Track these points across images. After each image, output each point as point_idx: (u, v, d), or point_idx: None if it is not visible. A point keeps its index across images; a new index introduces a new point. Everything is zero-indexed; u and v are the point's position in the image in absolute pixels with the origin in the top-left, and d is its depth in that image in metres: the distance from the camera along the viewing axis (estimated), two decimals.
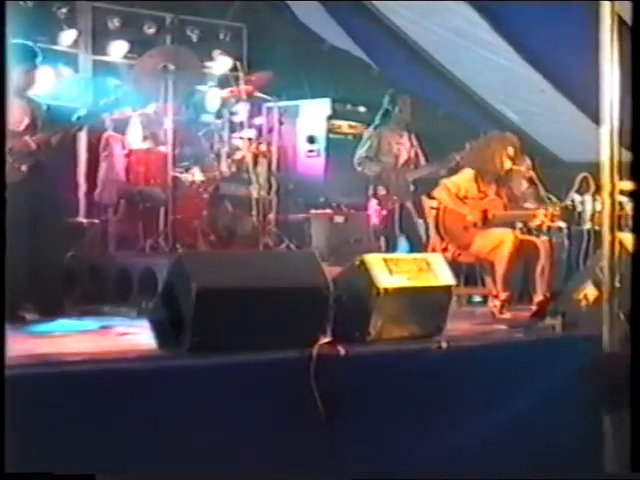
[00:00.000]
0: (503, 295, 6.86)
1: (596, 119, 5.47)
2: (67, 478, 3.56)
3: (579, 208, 7.10)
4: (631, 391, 4.48)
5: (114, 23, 9.71)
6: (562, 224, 7.93)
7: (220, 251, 7.67)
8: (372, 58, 10.72)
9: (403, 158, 9.16)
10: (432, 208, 7.30)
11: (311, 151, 10.18)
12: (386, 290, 4.91)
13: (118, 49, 9.63)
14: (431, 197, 7.36)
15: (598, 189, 5.60)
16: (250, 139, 8.76)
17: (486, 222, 7.14)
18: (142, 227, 8.16)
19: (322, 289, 4.68)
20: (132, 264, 7.35)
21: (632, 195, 5.11)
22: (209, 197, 8.29)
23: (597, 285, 5.43)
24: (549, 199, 7.22)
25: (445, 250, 7.06)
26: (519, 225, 7.64)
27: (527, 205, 7.57)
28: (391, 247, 8.78)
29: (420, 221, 8.43)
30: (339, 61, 10.97)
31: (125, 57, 9.63)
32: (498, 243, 6.84)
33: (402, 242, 8.92)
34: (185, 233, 8.10)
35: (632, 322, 4.89)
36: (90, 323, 6.08)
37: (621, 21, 5.47)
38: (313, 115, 10.22)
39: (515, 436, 5.05)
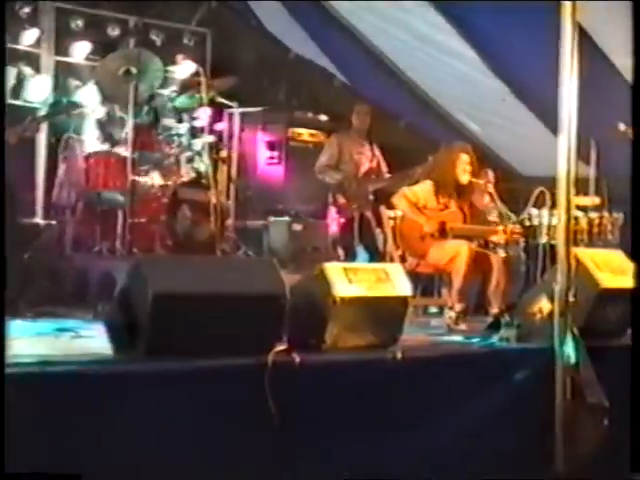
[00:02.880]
0: (458, 307, 6.89)
1: (556, 131, 5.52)
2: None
3: (535, 222, 7.16)
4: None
5: (77, 24, 9.68)
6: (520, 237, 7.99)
7: (178, 256, 7.65)
8: (337, 67, 10.74)
9: (364, 168, 9.21)
10: (390, 218, 7.32)
11: (271, 158, 10.20)
12: (342, 299, 4.93)
13: (80, 50, 9.60)
14: (389, 206, 7.38)
15: (554, 204, 5.65)
16: (211, 144, 8.75)
17: (443, 234, 7.16)
18: (99, 230, 8.13)
19: (279, 296, 4.68)
20: (90, 267, 7.31)
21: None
22: (168, 202, 8.27)
23: (552, 299, 5.48)
24: (508, 215, 7.26)
25: (403, 260, 7.08)
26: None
27: (489, 219, 7.60)
28: (350, 256, 8.81)
29: (379, 231, 8.47)
30: (303, 69, 11.00)
31: (87, 59, 9.60)
32: (454, 255, 6.86)
33: (361, 251, 8.94)
34: (142, 237, 8.07)
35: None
36: (45, 325, 6.02)
37: (581, 31, 5.52)
38: (274, 122, 10.24)
39: (469, 447, 5.08)
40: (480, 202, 8.18)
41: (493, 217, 7.63)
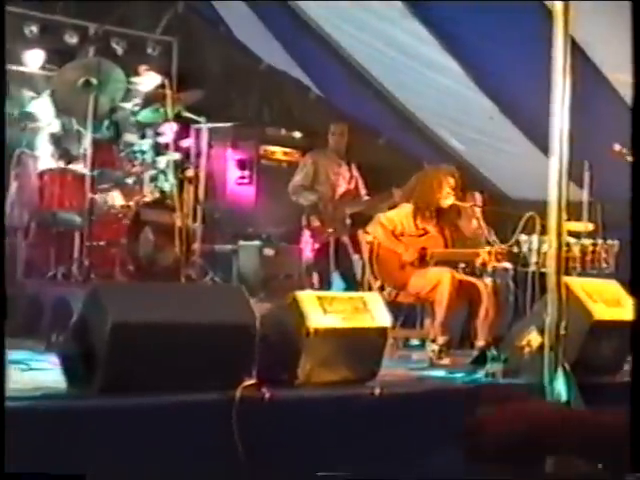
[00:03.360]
0: (441, 339, 6.89)
1: (547, 152, 5.55)
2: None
3: (525, 249, 7.19)
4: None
5: (31, 30, 9.68)
6: (508, 265, 8.02)
7: (139, 282, 7.64)
8: (312, 79, 10.79)
9: (341, 189, 9.25)
10: (368, 243, 7.33)
11: (242, 178, 10.22)
12: (316, 330, 4.94)
13: (35, 59, 9.59)
14: (367, 232, 7.40)
15: (545, 229, 5.68)
16: (176, 162, 8.75)
17: (423, 261, 7.17)
18: (54, 253, 8.11)
19: (248, 327, 4.69)
20: (43, 293, 7.28)
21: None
22: (129, 223, 8.25)
23: (542, 331, 5.50)
24: (494, 239, 7.29)
25: (382, 289, 7.09)
26: (462, 265, 7.70)
27: (478, 245, 7.62)
28: (325, 283, 8.83)
29: (356, 257, 8.49)
30: (275, 82, 11.04)
31: (42, 68, 9.59)
32: (436, 283, 6.87)
33: (337, 279, 8.96)
34: (101, 261, 8.05)
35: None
36: None
37: (574, 44, 5.56)
38: (245, 139, 10.26)
39: None
40: (468, 227, 8.21)
41: (480, 242, 7.63)
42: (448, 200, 7.26)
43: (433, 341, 6.95)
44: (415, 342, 7.95)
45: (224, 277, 9.00)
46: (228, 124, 10.13)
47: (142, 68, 9.77)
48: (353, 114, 10.07)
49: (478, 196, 8.72)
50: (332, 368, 5.09)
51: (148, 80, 9.63)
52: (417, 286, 7.06)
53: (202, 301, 4.80)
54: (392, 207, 7.61)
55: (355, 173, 9.37)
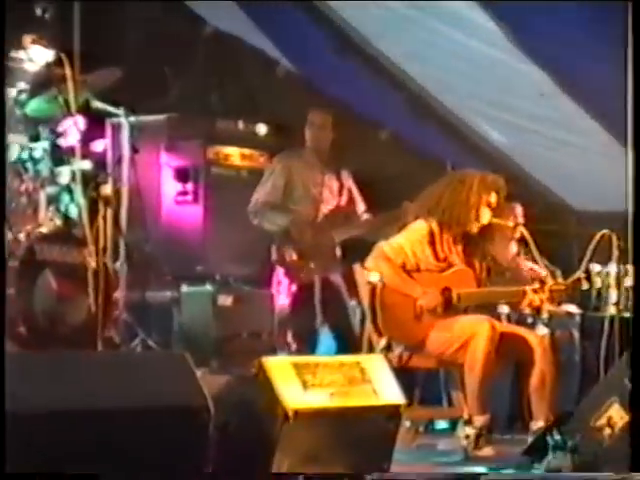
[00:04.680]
0: (479, 419, 6.90)
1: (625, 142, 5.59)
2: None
3: (598, 284, 7.22)
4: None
5: None
6: (573, 308, 8.05)
7: (36, 352, 7.63)
8: (280, 48, 10.82)
9: (327, 207, 9.26)
10: (370, 283, 7.26)
11: (183, 193, 10.23)
12: (297, 413, 4.96)
13: None
14: (367, 268, 7.33)
15: (625, 254, 5.71)
16: (86, 174, 8.74)
17: (448, 306, 7.14)
18: None
19: (198, 411, 4.71)
20: None
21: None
22: (19, 265, 8.26)
23: (627, 404, 5.53)
24: (549, 269, 7.30)
25: (389, 349, 7.08)
26: (505, 310, 7.70)
27: (522, 281, 7.62)
28: (307, 344, 8.83)
29: (353, 303, 8.49)
30: (227, 53, 11.07)
31: None
32: (467, 338, 6.86)
33: (325, 336, 8.97)
34: None
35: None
36: None
37: None
38: (186, 137, 10.28)
39: None
40: (504, 254, 8.20)
41: (523, 274, 7.63)
42: (483, 220, 7.20)
43: (467, 423, 6.97)
44: (442, 425, 7.96)
45: (161, 339, 9.00)
46: (160, 116, 10.15)
47: (28, 38, 9.79)
48: (342, 97, 10.10)
49: (519, 208, 8.71)
50: (321, 466, 5.11)
51: (38, 55, 9.64)
52: (440, 343, 7.05)
53: (129, 376, 4.81)
54: (402, 228, 7.53)
55: (347, 182, 9.38)
